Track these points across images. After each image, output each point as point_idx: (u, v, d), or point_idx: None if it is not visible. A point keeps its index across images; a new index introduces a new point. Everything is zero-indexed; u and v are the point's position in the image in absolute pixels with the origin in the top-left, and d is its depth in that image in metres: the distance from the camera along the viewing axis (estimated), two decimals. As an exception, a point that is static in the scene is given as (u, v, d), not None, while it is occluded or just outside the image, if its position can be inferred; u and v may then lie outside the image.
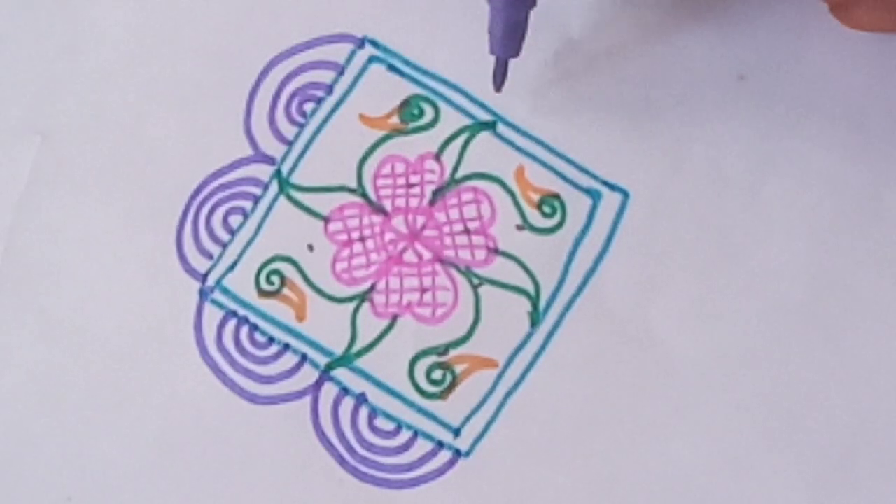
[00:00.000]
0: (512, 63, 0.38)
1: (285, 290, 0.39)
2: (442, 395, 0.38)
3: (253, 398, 0.38)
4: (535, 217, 0.39)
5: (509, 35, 0.37)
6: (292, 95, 0.40)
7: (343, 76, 0.40)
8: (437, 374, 0.38)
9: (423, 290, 0.39)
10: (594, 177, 0.39)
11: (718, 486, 0.37)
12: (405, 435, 0.38)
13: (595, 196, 0.39)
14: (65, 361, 0.39)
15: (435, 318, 0.39)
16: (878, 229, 0.38)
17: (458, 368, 0.38)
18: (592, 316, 0.38)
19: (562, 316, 0.38)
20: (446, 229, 0.39)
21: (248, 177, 0.40)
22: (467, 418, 0.38)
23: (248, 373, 0.39)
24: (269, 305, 0.39)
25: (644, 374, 0.38)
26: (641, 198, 0.39)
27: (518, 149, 0.40)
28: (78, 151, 0.40)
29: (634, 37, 0.40)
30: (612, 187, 0.39)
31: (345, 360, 0.39)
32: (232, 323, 0.39)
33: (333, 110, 0.40)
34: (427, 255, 0.39)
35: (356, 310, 0.39)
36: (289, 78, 0.40)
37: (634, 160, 0.39)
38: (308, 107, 0.40)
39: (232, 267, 0.39)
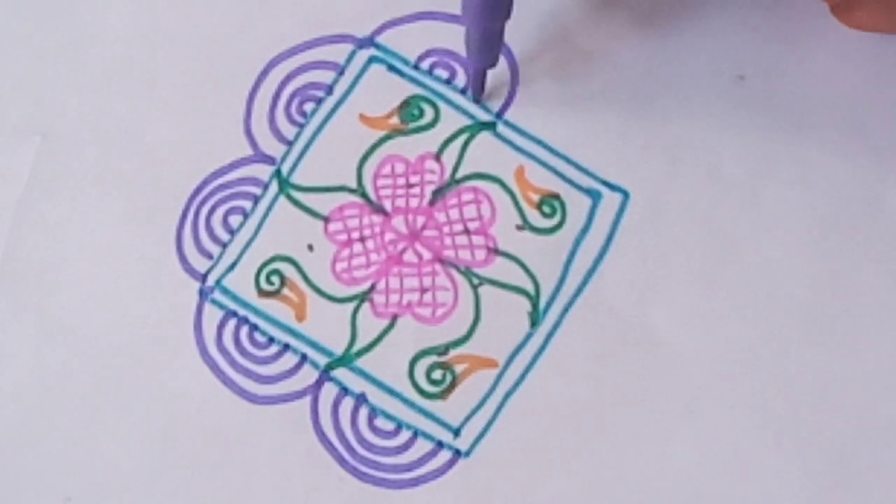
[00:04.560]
0: (511, 63, 0.38)
1: (285, 290, 0.39)
2: (442, 395, 0.38)
3: (253, 398, 0.38)
4: (535, 217, 0.39)
5: (485, 46, 0.36)
6: (292, 95, 0.40)
7: (343, 76, 0.40)
8: (437, 374, 0.38)
9: (423, 290, 0.39)
10: (594, 177, 0.39)
11: (718, 486, 0.37)
12: (405, 435, 0.38)
13: (595, 196, 0.39)
14: (64, 361, 0.39)
15: (435, 318, 0.39)
16: (878, 229, 0.38)
17: (458, 368, 0.38)
18: (592, 316, 0.38)
19: (562, 316, 0.38)
20: (446, 229, 0.39)
21: (248, 177, 0.40)
22: (467, 418, 0.38)
23: (248, 373, 0.39)
24: (269, 305, 0.39)
25: (644, 373, 0.38)
26: (641, 198, 0.39)
27: (518, 149, 0.40)
28: (78, 151, 0.40)
29: (634, 37, 0.40)
30: (612, 187, 0.39)
31: (345, 360, 0.39)
32: (232, 323, 0.39)
33: (333, 110, 0.40)
34: (427, 255, 0.39)
35: (356, 310, 0.39)
36: (289, 78, 0.40)
37: (634, 160, 0.39)
38: (308, 107, 0.40)
39: (232, 267, 0.39)
